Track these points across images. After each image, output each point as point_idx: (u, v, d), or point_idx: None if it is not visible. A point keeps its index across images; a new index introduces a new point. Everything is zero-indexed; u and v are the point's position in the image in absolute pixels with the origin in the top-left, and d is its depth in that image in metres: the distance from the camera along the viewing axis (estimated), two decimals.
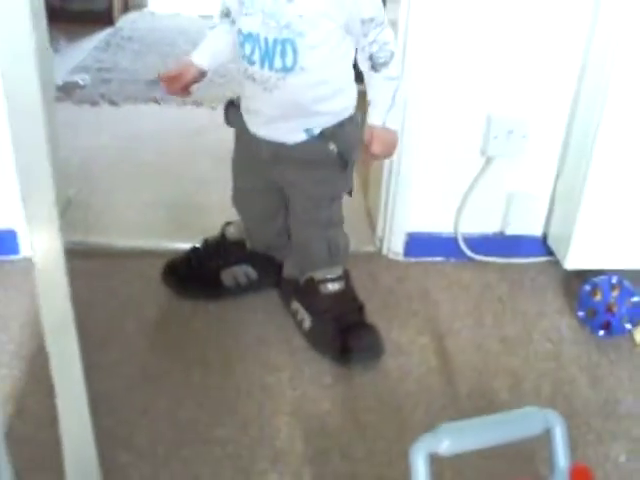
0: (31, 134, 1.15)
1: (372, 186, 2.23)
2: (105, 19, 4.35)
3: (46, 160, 1.18)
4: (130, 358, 1.67)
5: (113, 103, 3.12)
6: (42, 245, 1.23)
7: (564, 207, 1.98)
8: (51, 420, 1.16)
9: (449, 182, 2.00)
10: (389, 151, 1.57)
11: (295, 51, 1.42)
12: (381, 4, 1.45)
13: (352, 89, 1.57)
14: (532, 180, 2.02)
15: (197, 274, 1.87)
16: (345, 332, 1.66)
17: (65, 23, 4.08)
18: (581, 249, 1.93)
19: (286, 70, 1.45)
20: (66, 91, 3.21)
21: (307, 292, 1.75)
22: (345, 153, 1.56)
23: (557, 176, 2.00)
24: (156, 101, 3.15)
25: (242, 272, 1.86)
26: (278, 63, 1.44)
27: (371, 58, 1.45)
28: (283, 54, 1.43)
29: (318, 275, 1.72)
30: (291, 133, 1.55)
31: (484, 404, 1.59)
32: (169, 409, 1.54)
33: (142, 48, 3.94)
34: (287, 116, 1.53)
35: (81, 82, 3.30)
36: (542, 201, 2.04)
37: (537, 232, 2.08)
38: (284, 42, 1.42)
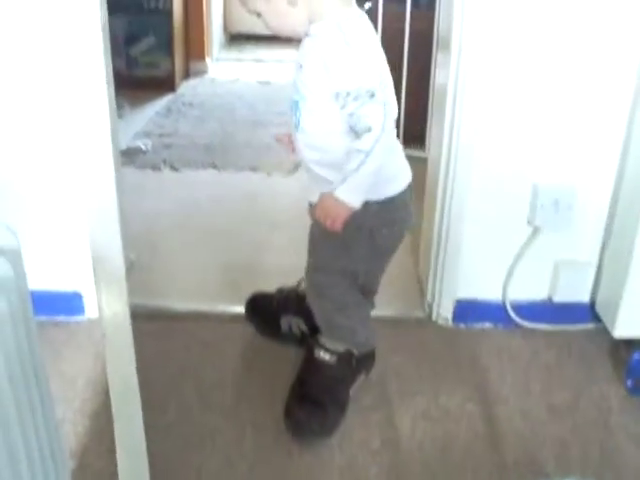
0: (103, 200, 1.24)
1: (422, 252, 2.29)
2: (167, 85, 4.56)
3: (116, 225, 1.27)
4: (186, 419, 1.74)
5: (174, 168, 3.26)
6: (110, 309, 1.32)
7: (612, 274, 2.01)
8: (110, 475, 1.23)
9: (497, 250, 2.05)
10: (327, 219, 1.54)
11: (300, 112, 1.57)
12: (366, 79, 1.45)
13: None
14: (579, 247, 2.06)
15: (263, 312, 2.05)
16: (299, 400, 1.74)
17: (130, 89, 4.29)
18: (629, 317, 1.94)
19: (296, 127, 1.59)
20: (129, 156, 3.37)
21: (307, 347, 1.83)
22: (346, 230, 1.56)
23: (604, 243, 2.04)
24: (214, 166, 3.29)
25: (296, 323, 1.98)
26: (294, 119, 1.60)
27: (352, 130, 1.50)
28: (294, 112, 1.59)
29: (320, 337, 1.80)
30: (313, 193, 1.66)
31: (530, 472, 1.61)
32: (221, 469, 1.60)
33: (202, 114, 4.11)
34: (309, 176, 1.69)
35: (144, 147, 3.46)
36: (590, 268, 2.07)
37: (585, 299, 2.11)
38: (296, 103, 1.57)
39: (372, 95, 1.45)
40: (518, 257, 2.04)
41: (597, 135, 1.93)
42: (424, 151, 3.30)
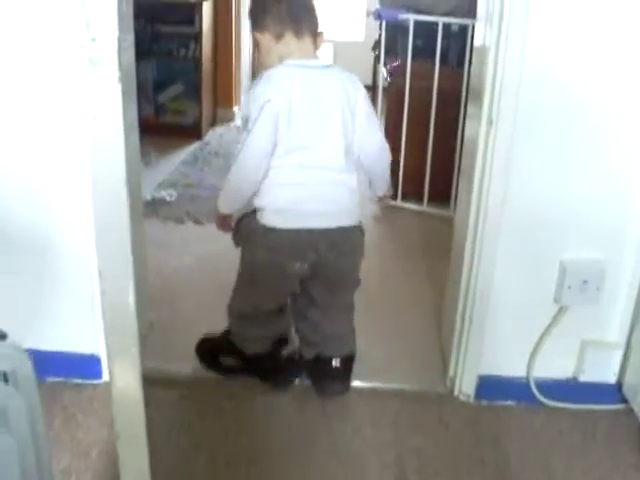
0: (118, 274, 1.23)
1: (445, 323, 2.26)
2: (194, 133, 4.59)
3: (131, 297, 1.25)
4: None
5: (198, 222, 3.25)
6: (121, 379, 1.30)
7: None
8: None
9: (522, 326, 2.01)
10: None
11: None
12: (245, 109, 1.87)
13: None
14: (607, 327, 2.01)
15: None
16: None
17: (158, 136, 4.33)
18: None
19: None
20: (154, 207, 3.37)
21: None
22: None
23: (633, 324, 1.99)
24: None
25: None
26: None
27: None
28: None
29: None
30: None
31: None
32: None
33: (227, 163, 4.10)
34: None
35: (168, 198, 3.47)
36: (617, 349, 2.02)
37: (611, 380, 2.05)
38: None
39: (245, 122, 1.82)
40: (544, 334, 1.99)
41: (628, 210, 1.90)
42: (448, 209, 3.28)
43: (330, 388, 2.08)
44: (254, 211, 1.89)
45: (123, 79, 1.91)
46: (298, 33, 1.84)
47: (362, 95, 1.88)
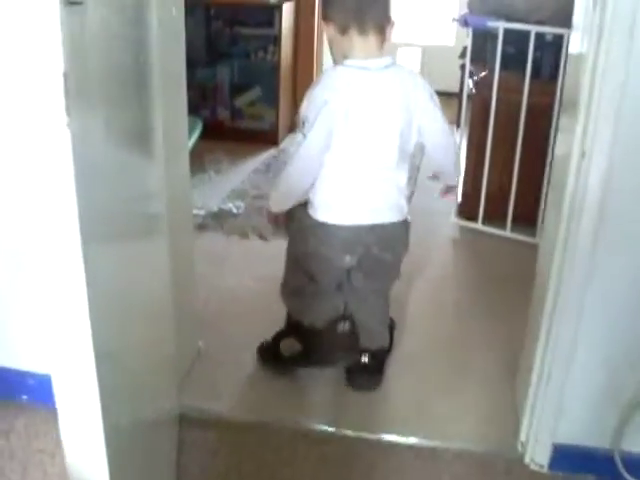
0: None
1: (521, 377, 2.00)
2: (270, 139, 4.43)
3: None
4: None
5: (263, 237, 3.08)
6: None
7: None
8: None
9: (611, 390, 1.74)
10: None
11: None
12: (304, 109, 1.82)
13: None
14: None
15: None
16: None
17: (233, 141, 4.20)
18: None
19: None
20: (219, 219, 3.23)
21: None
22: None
23: None
24: None
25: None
26: None
27: None
28: None
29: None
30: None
31: None
32: None
33: None
34: None
35: (235, 210, 3.32)
36: None
37: None
38: None
39: (303, 123, 1.79)
40: (635, 402, 1.72)
41: None
42: (534, 236, 3.01)
43: (358, 382, 2.12)
44: (306, 203, 1.94)
45: (169, 89, 1.79)
46: (362, 29, 1.79)
47: (422, 92, 1.86)
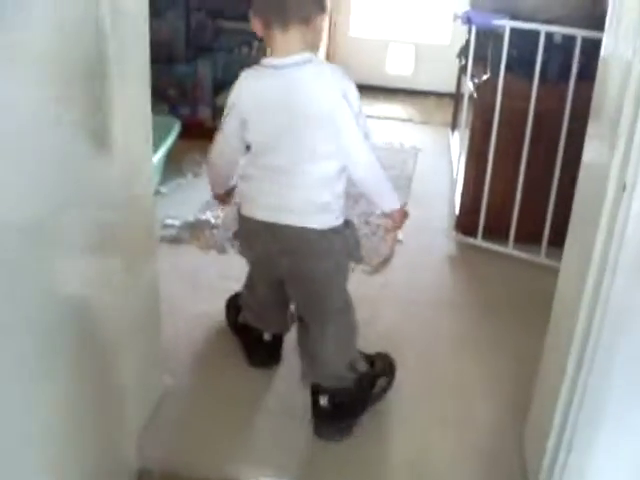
0: None
1: (532, 430, 1.75)
2: None
3: None
4: None
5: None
6: None
7: None
8: None
9: None
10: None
11: None
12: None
13: None
14: None
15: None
16: None
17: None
18: None
19: None
20: (195, 231, 2.95)
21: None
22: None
23: None
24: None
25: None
26: None
27: None
28: None
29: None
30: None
31: None
32: None
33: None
34: None
35: (213, 220, 3.03)
36: None
37: None
38: None
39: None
40: None
41: None
42: (539, 254, 2.76)
43: (319, 430, 1.86)
44: None
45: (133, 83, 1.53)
46: (283, 23, 1.67)
47: (335, 93, 1.69)
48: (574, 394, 1.47)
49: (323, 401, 1.86)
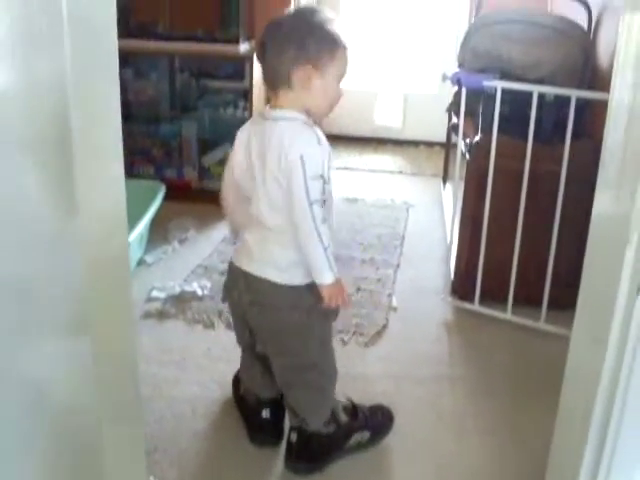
0: None
1: None
2: None
3: None
4: None
5: (231, 328, 2.63)
6: None
7: None
8: None
9: None
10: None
11: None
12: None
13: None
14: None
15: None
16: None
17: (201, 204, 3.81)
18: None
19: None
20: (181, 304, 2.83)
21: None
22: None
23: None
24: None
25: None
26: None
27: None
28: None
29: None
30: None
31: None
32: None
33: None
34: None
35: (200, 292, 2.92)
36: None
37: None
38: None
39: None
40: None
41: None
42: (538, 319, 2.66)
43: (287, 463, 1.95)
44: None
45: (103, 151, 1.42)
46: (272, 87, 1.75)
47: (299, 159, 1.64)
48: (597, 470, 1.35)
49: (293, 437, 1.95)
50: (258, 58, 1.74)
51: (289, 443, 1.95)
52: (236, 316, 2.00)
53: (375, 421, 2.06)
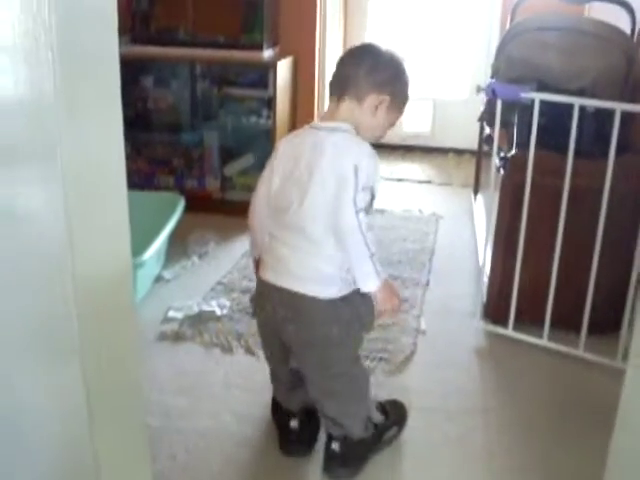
0: None
1: None
2: None
3: None
4: None
5: (250, 352, 2.54)
6: None
7: None
8: None
9: None
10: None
11: None
12: None
13: None
14: None
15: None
16: None
17: (222, 215, 3.69)
18: None
19: None
20: (198, 325, 2.70)
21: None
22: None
23: None
24: None
25: None
26: None
27: None
28: None
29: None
30: None
31: None
32: None
33: None
34: None
35: (218, 312, 2.78)
36: None
37: None
38: None
39: None
40: None
41: None
42: (577, 346, 2.50)
43: (328, 469, 1.97)
44: None
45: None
46: (339, 96, 1.83)
47: (352, 169, 1.70)
48: None
49: (335, 446, 1.95)
50: (341, 61, 1.85)
51: (331, 451, 1.96)
52: (267, 331, 1.96)
53: (398, 415, 2.14)
